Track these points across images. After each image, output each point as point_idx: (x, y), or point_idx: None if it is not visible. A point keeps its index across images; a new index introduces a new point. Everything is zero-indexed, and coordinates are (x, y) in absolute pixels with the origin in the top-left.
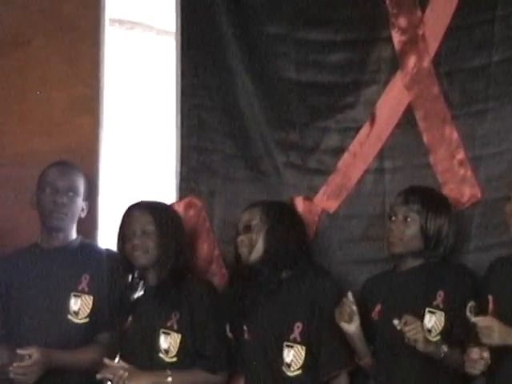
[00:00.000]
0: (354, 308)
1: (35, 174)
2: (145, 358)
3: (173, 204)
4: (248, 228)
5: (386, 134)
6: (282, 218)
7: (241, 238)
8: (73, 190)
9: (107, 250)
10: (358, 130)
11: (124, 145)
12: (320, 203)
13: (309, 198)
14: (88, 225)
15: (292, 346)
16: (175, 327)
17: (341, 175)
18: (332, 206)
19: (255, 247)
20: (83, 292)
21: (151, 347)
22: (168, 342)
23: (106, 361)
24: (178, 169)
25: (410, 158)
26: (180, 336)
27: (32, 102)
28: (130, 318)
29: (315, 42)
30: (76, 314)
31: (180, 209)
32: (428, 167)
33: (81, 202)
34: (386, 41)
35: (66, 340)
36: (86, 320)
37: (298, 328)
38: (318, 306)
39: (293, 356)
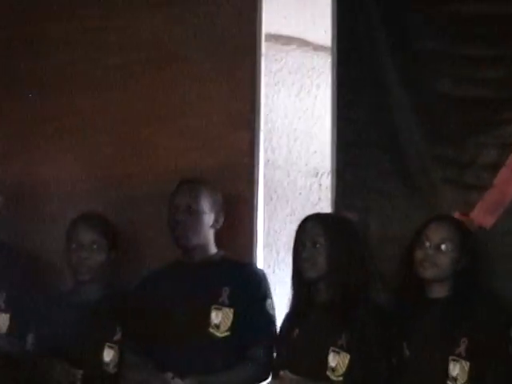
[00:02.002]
0: None
1: None
2: (312, 373)
3: None
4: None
5: None
6: None
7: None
8: (192, 205)
9: (247, 264)
10: None
11: (279, 160)
12: (476, 219)
13: (465, 214)
14: (245, 240)
15: (457, 361)
16: (345, 346)
17: (497, 191)
18: (489, 221)
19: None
20: (223, 305)
21: (319, 365)
22: (336, 361)
23: (282, 373)
24: (334, 184)
25: None
26: (349, 356)
27: (189, 117)
28: (296, 331)
29: (471, 57)
30: (217, 327)
31: None
32: None
33: (206, 216)
34: None
35: (207, 353)
36: (228, 333)
37: (463, 343)
38: (484, 323)
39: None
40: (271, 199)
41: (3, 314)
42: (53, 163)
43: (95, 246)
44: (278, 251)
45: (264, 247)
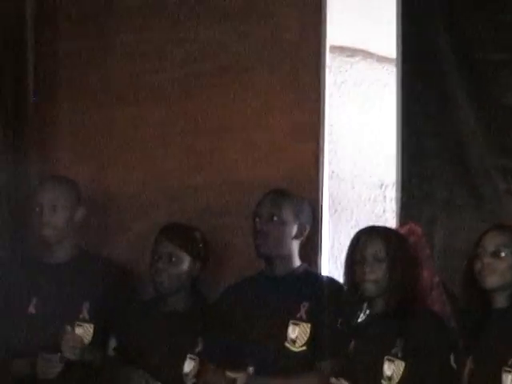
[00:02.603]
0: None
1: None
2: (368, 382)
3: None
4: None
5: None
6: None
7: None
8: (274, 215)
9: (328, 278)
10: None
11: (344, 171)
12: None
13: None
14: (310, 253)
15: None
16: (399, 355)
17: None
18: None
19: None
20: (301, 320)
21: (375, 374)
22: (391, 370)
23: (334, 380)
24: (399, 195)
25: None
26: (404, 364)
27: (254, 128)
28: (352, 343)
29: None
30: (293, 342)
31: None
32: None
33: (289, 227)
34: None
35: (282, 367)
36: (304, 348)
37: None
38: None
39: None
40: (335, 211)
41: (87, 325)
42: (122, 175)
43: (174, 259)
44: (342, 263)
45: (328, 259)
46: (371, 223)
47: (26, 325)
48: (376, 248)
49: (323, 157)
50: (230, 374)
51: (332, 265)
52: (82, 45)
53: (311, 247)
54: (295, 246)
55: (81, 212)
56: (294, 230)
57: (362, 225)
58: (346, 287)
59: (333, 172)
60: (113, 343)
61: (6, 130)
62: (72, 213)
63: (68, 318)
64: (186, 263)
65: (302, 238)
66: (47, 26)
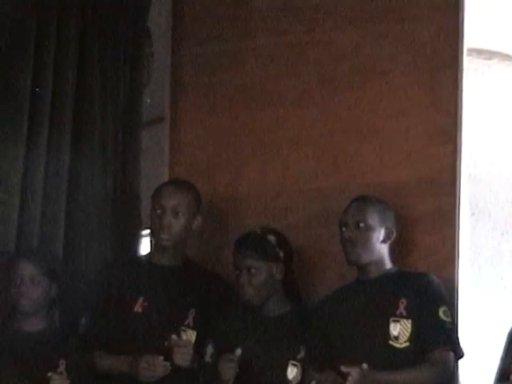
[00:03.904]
0: None
1: (396, 203)
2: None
3: None
4: None
5: None
6: None
7: None
8: (360, 222)
9: (422, 273)
10: None
11: (481, 173)
12: None
13: None
14: (446, 256)
15: None
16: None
17: None
18: None
19: None
20: (401, 316)
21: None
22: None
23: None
24: None
25: None
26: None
27: (390, 132)
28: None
29: None
30: (396, 338)
31: None
32: None
33: (376, 232)
34: None
35: (388, 365)
36: (407, 344)
37: None
38: None
39: None
40: (473, 214)
41: (190, 331)
42: (258, 177)
43: (253, 271)
44: (479, 266)
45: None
46: (509, 226)
47: (131, 324)
48: None
49: (460, 159)
50: (344, 369)
51: (469, 267)
52: (219, 48)
53: (447, 250)
54: (384, 249)
55: (198, 221)
56: (381, 234)
57: (500, 227)
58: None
59: (470, 175)
60: (210, 350)
61: (138, 131)
62: (191, 220)
63: (175, 322)
64: (265, 271)
65: (390, 242)
66: (182, 29)
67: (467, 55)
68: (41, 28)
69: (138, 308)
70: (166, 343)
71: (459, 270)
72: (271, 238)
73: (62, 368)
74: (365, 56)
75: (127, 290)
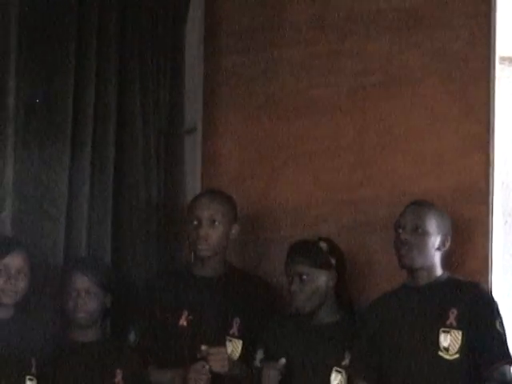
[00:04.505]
0: None
1: None
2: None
3: None
4: None
5: None
6: None
7: None
8: (418, 226)
9: (473, 283)
10: None
11: None
12: None
13: None
14: (480, 265)
15: None
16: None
17: None
18: None
19: None
20: (451, 327)
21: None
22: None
23: None
24: None
25: None
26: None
27: (421, 141)
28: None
29: None
30: (446, 350)
31: None
32: None
33: (432, 238)
34: None
35: (437, 377)
36: (457, 356)
37: None
38: None
39: None
40: (506, 222)
41: (236, 340)
42: (290, 187)
43: (304, 277)
44: None
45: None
46: None
47: (176, 338)
48: None
49: (493, 168)
50: None
51: (502, 276)
52: (251, 58)
53: (481, 259)
54: (438, 256)
55: (235, 229)
56: (437, 241)
57: None
58: None
59: (503, 183)
60: (260, 355)
61: (181, 139)
62: (228, 229)
63: (219, 332)
64: (317, 278)
65: (444, 249)
66: (214, 39)
67: (499, 63)
68: (81, 28)
69: (182, 322)
70: (198, 355)
71: (492, 278)
72: (323, 245)
73: (119, 378)
74: (397, 65)
75: (172, 304)
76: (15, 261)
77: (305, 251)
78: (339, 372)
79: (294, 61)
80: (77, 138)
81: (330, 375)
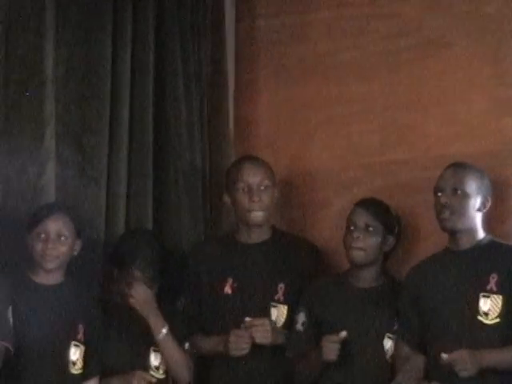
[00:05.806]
0: None
1: None
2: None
3: None
4: None
5: None
6: None
7: None
8: (458, 188)
9: None
10: None
11: None
12: None
13: None
14: (508, 231)
15: None
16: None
17: None
18: None
19: None
20: (492, 292)
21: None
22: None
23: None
24: None
25: None
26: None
27: (453, 104)
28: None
29: None
30: (486, 314)
31: None
32: None
33: (472, 199)
34: None
35: (477, 341)
36: (497, 320)
37: None
38: None
39: None
40: None
41: (281, 306)
42: (323, 151)
43: (371, 229)
44: None
45: None
46: None
47: (221, 305)
48: None
49: None
50: (445, 357)
51: None
52: (282, 22)
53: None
54: (479, 218)
55: (277, 193)
56: (478, 202)
57: None
58: None
59: None
60: (301, 318)
61: (202, 105)
62: (273, 193)
63: (264, 299)
64: (381, 234)
65: (484, 210)
66: (246, 2)
67: None
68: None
69: (227, 290)
70: (242, 326)
71: None
72: (393, 211)
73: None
74: (429, 28)
75: (217, 272)
76: (54, 224)
77: (377, 206)
78: (390, 338)
79: (326, 23)
80: (115, 101)
81: (382, 340)
